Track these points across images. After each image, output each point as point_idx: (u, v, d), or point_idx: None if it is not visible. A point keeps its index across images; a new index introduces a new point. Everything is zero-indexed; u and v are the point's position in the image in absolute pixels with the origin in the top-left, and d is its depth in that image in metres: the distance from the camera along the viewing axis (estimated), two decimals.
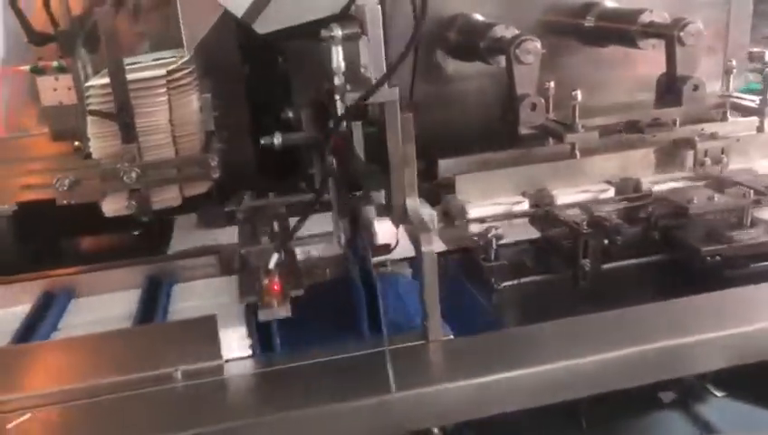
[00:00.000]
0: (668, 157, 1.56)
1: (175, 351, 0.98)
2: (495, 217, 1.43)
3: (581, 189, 1.50)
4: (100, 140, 1.13)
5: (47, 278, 1.27)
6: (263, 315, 0.96)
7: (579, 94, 1.47)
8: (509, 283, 1.34)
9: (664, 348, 1.02)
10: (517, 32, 1.55)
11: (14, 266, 1.29)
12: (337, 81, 1.02)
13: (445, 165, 1.57)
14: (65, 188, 1.08)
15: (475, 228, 1.41)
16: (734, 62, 1.69)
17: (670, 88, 1.63)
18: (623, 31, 1.74)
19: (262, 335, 1.01)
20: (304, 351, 1.01)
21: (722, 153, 1.51)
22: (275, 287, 0.96)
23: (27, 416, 0.92)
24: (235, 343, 1.00)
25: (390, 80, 0.98)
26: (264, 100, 1.65)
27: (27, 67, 1.21)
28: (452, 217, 1.44)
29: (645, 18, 1.69)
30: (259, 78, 1.68)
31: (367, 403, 0.91)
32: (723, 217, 1.41)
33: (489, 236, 1.35)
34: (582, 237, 1.33)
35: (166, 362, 0.97)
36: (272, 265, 0.98)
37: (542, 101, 1.53)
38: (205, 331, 0.99)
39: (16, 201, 1.21)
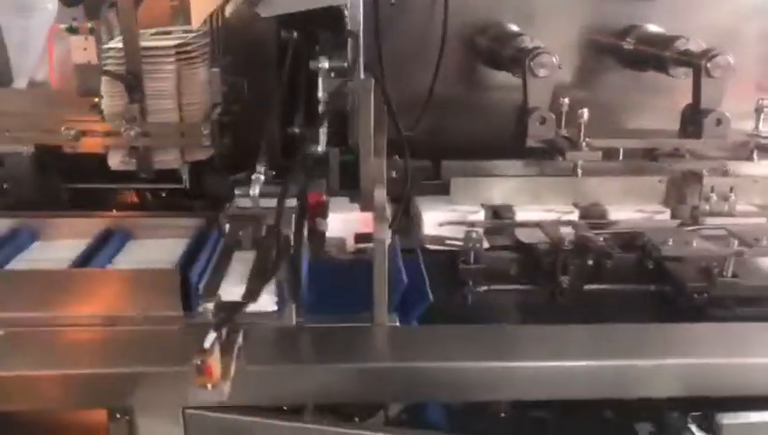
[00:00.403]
0: (676, 188, 1.52)
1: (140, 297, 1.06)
2: (452, 224, 1.44)
3: (545, 208, 1.49)
4: (111, 99, 1.23)
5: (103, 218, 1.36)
6: (193, 399, 0.89)
7: (585, 113, 1.46)
8: (484, 287, 1.36)
9: (594, 366, 1.02)
10: (540, 44, 1.57)
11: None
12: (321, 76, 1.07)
13: (447, 166, 1.60)
14: (71, 137, 1.19)
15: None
16: (766, 101, 1.62)
17: (693, 119, 1.59)
18: (657, 56, 1.72)
19: None
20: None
21: (730, 192, 1.45)
22: (209, 372, 0.83)
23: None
24: None
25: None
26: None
27: (63, 26, 1.32)
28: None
29: (680, 45, 1.67)
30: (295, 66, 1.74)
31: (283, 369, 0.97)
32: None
33: (469, 239, 1.37)
34: (562, 254, 1.33)
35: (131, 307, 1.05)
36: (207, 344, 0.83)
37: (553, 116, 1.53)
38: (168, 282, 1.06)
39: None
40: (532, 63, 1.49)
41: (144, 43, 1.22)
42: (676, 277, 1.35)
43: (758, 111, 1.63)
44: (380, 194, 1.10)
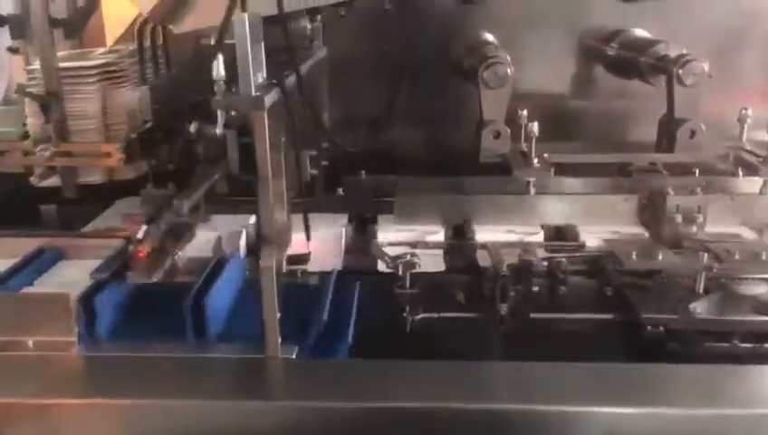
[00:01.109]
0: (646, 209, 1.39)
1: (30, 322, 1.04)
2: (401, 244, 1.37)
3: (508, 229, 1.39)
4: (34, 118, 1.23)
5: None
6: (131, 278, 0.99)
7: (535, 126, 1.36)
8: (419, 315, 1.28)
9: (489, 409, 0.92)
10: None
11: None
12: (216, 89, 1.02)
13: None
14: None
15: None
16: (749, 111, 1.48)
17: (667, 131, 1.47)
18: (635, 62, 1.60)
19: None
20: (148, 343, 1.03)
21: (698, 212, 1.32)
22: (140, 255, 0.98)
23: None
24: None
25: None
26: None
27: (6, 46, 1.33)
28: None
29: (657, 50, 1.55)
30: None
31: (157, 404, 0.92)
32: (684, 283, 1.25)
33: (402, 262, 1.29)
34: (500, 280, 1.24)
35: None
36: (140, 234, 0.97)
37: (508, 130, 1.44)
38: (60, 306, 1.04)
39: None
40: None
41: (64, 64, 1.22)
42: (632, 305, 1.24)
43: (741, 121, 1.49)
44: (278, 218, 1.05)
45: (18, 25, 1.22)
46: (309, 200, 1.47)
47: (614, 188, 1.45)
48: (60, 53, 1.28)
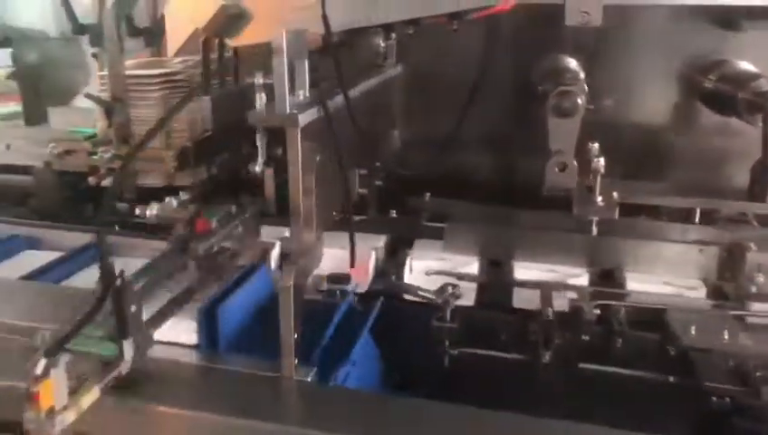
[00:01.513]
0: (720, 262, 1.24)
1: None
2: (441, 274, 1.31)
3: (550, 268, 1.28)
4: (100, 122, 1.29)
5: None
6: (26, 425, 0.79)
7: (601, 162, 1.25)
8: (457, 350, 1.21)
9: None
10: None
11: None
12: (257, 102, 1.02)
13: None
14: (55, 154, 1.26)
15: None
16: None
17: (761, 178, 1.32)
18: (732, 97, 1.45)
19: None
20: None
21: None
22: (36, 398, 0.78)
23: None
24: None
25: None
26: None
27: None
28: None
29: (760, 85, 1.39)
30: None
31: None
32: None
33: (445, 294, 1.23)
34: (546, 324, 1.15)
35: None
36: (39, 370, 0.78)
37: (575, 163, 1.34)
38: None
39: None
40: (555, 101, 1.30)
41: (130, 72, 1.27)
42: (696, 371, 1.11)
43: None
44: (307, 238, 1.02)
45: (96, 34, 1.29)
46: (362, 219, 1.47)
47: (685, 236, 1.30)
48: (133, 61, 1.33)
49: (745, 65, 1.58)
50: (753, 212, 1.32)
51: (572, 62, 1.66)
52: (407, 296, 1.27)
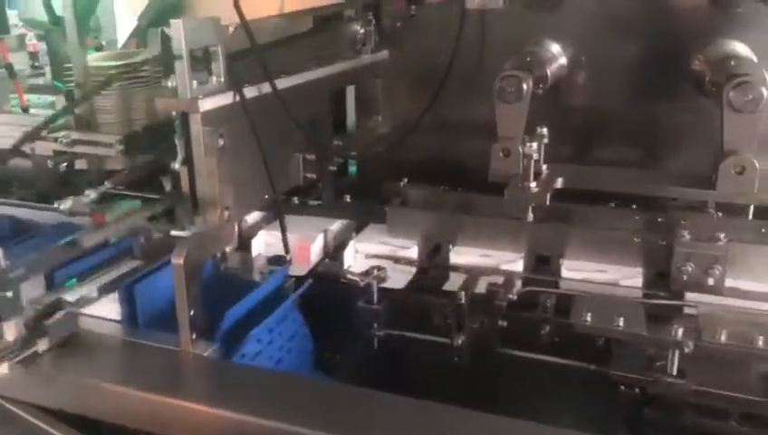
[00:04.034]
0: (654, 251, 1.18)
1: None
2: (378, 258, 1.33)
3: (484, 253, 1.26)
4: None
5: None
6: None
7: (534, 147, 1.21)
8: (380, 332, 1.23)
9: None
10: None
11: None
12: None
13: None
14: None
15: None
16: None
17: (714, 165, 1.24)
18: (705, 80, 1.37)
19: None
20: None
21: (716, 263, 1.08)
22: None
23: None
24: None
25: None
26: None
27: None
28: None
29: (731, 68, 1.30)
30: None
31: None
32: None
33: (370, 277, 1.25)
34: (456, 309, 1.14)
35: None
36: None
37: (520, 149, 1.31)
38: None
39: None
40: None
41: (91, 63, 1.36)
42: (610, 360, 1.07)
43: None
44: (211, 219, 1.08)
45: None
46: (316, 204, 1.51)
47: (626, 223, 1.25)
48: (101, 54, 1.44)
49: (735, 46, 1.47)
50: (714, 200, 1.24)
51: (552, 46, 1.61)
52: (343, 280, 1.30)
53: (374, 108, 1.84)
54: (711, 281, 1.10)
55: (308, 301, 1.27)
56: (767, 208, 1.28)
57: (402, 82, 1.82)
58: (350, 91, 1.80)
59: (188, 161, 1.10)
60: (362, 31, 1.74)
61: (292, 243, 1.35)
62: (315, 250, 1.38)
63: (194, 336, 1.04)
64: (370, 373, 1.24)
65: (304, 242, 1.36)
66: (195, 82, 1.06)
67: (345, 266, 1.32)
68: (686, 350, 0.98)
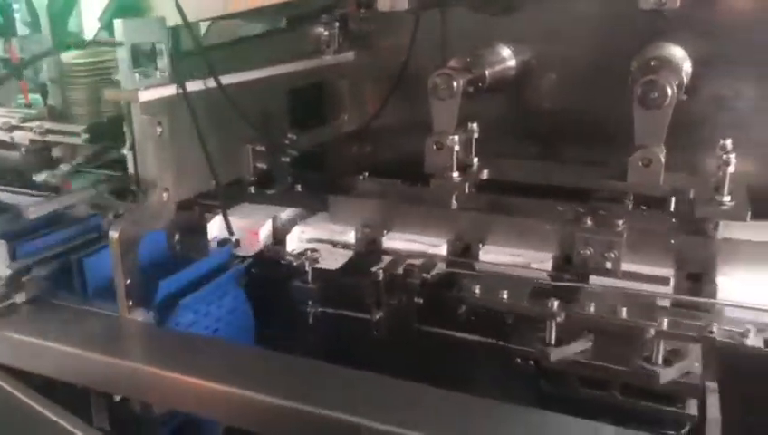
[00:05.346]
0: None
1: None
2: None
3: (412, 238, 1.35)
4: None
5: None
6: None
7: (456, 139, 1.30)
8: (313, 308, 1.34)
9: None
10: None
11: None
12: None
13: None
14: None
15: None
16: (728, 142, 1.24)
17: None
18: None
19: None
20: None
21: (611, 248, 1.16)
22: None
23: None
24: None
25: None
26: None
27: None
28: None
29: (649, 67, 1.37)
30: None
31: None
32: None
33: (303, 258, 1.35)
34: (376, 286, 1.24)
35: None
36: None
37: (455, 138, 1.39)
38: None
39: None
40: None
41: (65, 60, 1.50)
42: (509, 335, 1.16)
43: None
44: (150, 197, 1.20)
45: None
46: (272, 193, 1.62)
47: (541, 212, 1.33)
48: (75, 52, 1.56)
49: (668, 48, 1.54)
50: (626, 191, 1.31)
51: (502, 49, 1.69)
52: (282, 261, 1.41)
53: (340, 106, 1.95)
54: (609, 265, 1.17)
55: (254, 281, 1.39)
56: None
57: (368, 83, 1.93)
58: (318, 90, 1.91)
59: (134, 147, 1.22)
60: (327, 33, 1.85)
61: (242, 227, 1.47)
62: (264, 234, 1.49)
63: (130, 304, 1.16)
64: (304, 347, 1.34)
65: (254, 227, 1.48)
66: (137, 76, 1.18)
67: (289, 250, 1.44)
68: (558, 320, 1.07)
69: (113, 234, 1.12)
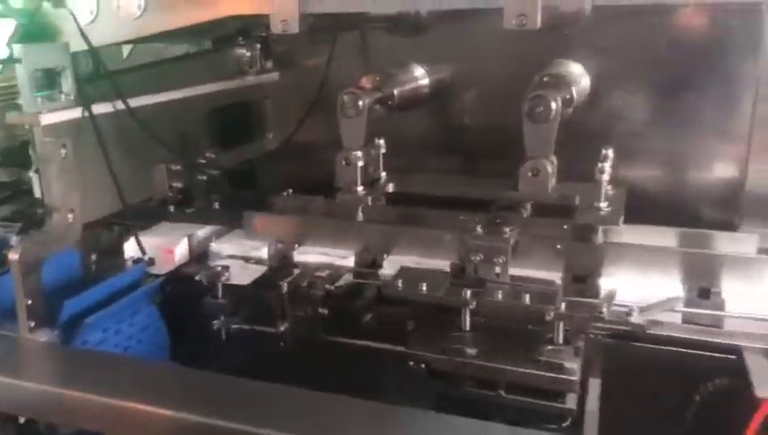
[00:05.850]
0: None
1: None
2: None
3: (322, 252, 1.41)
4: None
5: None
6: None
7: (359, 154, 1.36)
8: (223, 323, 1.37)
9: None
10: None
11: None
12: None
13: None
14: None
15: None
16: (609, 151, 1.33)
17: None
18: None
19: None
20: None
21: (497, 255, 1.23)
22: None
23: None
24: None
25: None
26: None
27: None
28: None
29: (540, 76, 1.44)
30: None
31: None
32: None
33: (210, 273, 1.38)
34: (281, 298, 1.28)
35: None
36: None
37: (359, 155, 1.45)
38: None
39: None
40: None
41: None
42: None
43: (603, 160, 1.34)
44: (57, 219, 1.22)
45: None
46: (191, 212, 1.65)
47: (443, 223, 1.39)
48: None
49: (567, 65, 1.63)
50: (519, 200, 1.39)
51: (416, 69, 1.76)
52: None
53: (264, 125, 2.00)
54: (497, 269, 1.24)
55: (168, 299, 1.41)
56: None
57: (292, 102, 1.98)
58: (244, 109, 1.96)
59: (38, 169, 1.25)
60: (249, 54, 1.90)
61: (158, 245, 1.49)
62: (180, 252, 1.52)
63: (32, 324, 1.18)
64: (218, 363, 1.37)
65: (169, 245, 1.50)
66: (39, 99, 1.21)
67: (202, 267, 1.47)
68: (471, 307, 1.14)
69: (13, 256, 1.14)
